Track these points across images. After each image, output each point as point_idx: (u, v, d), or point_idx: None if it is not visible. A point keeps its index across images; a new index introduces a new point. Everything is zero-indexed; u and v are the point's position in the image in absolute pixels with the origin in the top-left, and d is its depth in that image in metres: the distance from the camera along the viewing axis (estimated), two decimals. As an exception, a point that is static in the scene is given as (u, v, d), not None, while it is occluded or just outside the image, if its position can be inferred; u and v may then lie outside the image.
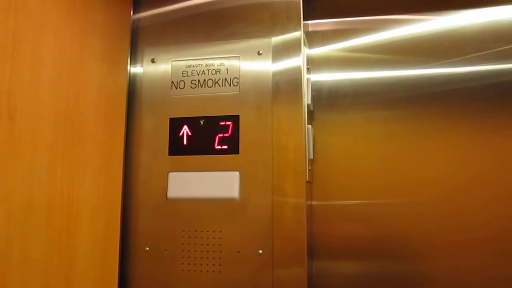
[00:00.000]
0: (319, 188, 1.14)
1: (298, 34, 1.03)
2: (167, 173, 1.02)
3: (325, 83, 1.19)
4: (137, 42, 1.10)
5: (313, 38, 1.22)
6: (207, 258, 0.98)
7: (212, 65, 1.04)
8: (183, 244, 0.99)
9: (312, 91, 1.14)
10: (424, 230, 1.09)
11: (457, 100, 1.11)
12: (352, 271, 1.11)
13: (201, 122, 1.02)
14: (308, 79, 1.08)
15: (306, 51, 1.10)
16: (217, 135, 1.01)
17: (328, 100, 1.18)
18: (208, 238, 0.99)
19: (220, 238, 0.98)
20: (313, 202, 1.13)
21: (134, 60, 1.10)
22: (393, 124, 1.14)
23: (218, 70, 1.04)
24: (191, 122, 1.03)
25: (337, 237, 1.13)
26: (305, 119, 1.00)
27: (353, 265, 1.12)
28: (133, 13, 1.11)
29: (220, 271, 0.97)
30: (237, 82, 1.02)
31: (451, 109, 1.11)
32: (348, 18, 1.21)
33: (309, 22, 1.22)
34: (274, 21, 1.04)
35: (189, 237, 0.99)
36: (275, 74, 1.02)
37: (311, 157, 1.08)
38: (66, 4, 0.89)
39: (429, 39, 1.16)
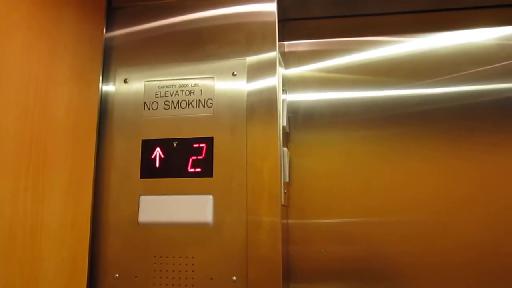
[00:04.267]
0: (296, 211, 1.13)
1: (273, 54, 1.01)
2: (139, 197, 0.99)
3: (301, 103, 1.18)
4: (110, 61, 1.08)
5: (289, 59, 1.21)
6: (179, 285, 0.95)
7: (186, 85, 1.03)
8: (154, 270, 0.96)
9: (288, 112, 1.13)
10: (408, 251, 1.08)
11: (435, 120, 1.12)
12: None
13: (174, 144, 1.00)
14: (283, 100, 1.07)
15: (281, 71, 1.09)
16: (190, 157, 0.98)
17: (304, 121, 1.17)
18: (180, 264, 0.95)
19: (193, 264, 0.95)
20: (290, 222, 1.12)
21: (106, 79, 1.07)
22: (373, 144, 1.14)
23: (192, 91, 1.02)
24: (164, 144, 1.00)
25: (315, 258, 1.11)
26: (280, 142, 0.99)
27: (332, 287, 1.10)
28: (106, 32, 1.09)
29: (192, 299, 0.94)
30: (211, 103, 1.01)
31: (431, 128, 1.12)
32: (324, 39, 1.22)
33: (285, 42, 1.22)
34: (249, 41, 1.03)
35: (161, 263, 0.96)
36: (250, 95, 1.00)
37: (287, 180, 1.06)
38: (34, 21, 0.87)
39: (404, 60, 1.17)
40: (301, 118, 1.18)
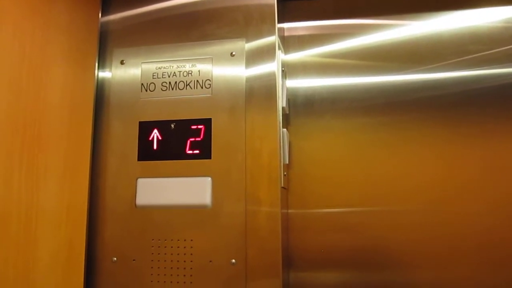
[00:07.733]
0: (296, 195, 1.11)
1: (273, 39, 1.00)
2: (136, 179, 0.98)
3: (301, 88, 1.16)
4: (106, 44, 1.06)
5: (289, 43, 1.19)
6: (178, 268, 0.93)
7: (184, 66, 1.01)
8: (152, 253, 0.95)
9: (288, 95, 1.11)
10: (409, 239, 1.06)
11: (438, 106, 1.10)
12: (332, 282, 1.08)
13: (172, 126, 0.98)
14: (283, 82, 1.05)
15: (281, 56, 1.07)
16: (188, 139, 0.97)
17: (304, 105, 1.15)
18: (178, 247, 0.94)
19: (192, 247, 0.93)
20: (290, 211, 1.10)
21: (102, 62, 1.05)
22: (374, 131, 1.12)
23: (190, 72, 1.00)
24: (162, 126, 0.99)
25: (315, 246, 1.09)
26: (279, 124, 0.97)
27: (332, 276, 1.08)
28: (102, 16, 1.07)
29: (191, 282, 0.93)
30: (210, 84, 0.99)
31: (433, 114, 1.10)
32: (324, 20, 1.19)
33: (285, 26, 1.19)
34: (248, 22, 1.01)
35: (159, 246, 0.95)
36: (248, 79, 0.98)
37: (287, 162, 1.04)
38: (25, 1, 0.85)
39: (407, 44, 1.15)
40: (301, 103, 1.16)
